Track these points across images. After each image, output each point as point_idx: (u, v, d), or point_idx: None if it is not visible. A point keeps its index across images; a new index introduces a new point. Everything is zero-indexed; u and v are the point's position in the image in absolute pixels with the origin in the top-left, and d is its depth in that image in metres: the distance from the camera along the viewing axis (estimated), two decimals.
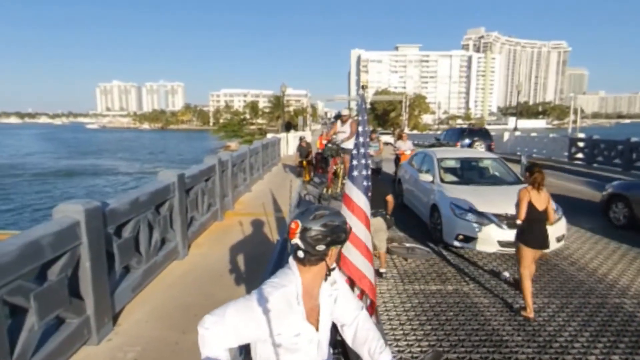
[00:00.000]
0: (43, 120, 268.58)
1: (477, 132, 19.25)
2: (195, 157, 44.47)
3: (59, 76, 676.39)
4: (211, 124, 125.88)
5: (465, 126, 27.75)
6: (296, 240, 1.46)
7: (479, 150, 13.64)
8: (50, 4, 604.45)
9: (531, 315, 4.01)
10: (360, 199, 2.90)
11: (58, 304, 2.86)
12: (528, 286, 4.05)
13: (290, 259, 1.54)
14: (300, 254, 1.47)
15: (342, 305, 1.63)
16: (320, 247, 1.46)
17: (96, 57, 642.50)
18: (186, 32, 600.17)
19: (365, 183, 3.00)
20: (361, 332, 1.64)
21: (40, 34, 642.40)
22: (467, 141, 18.05)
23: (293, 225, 1.47)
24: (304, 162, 12.16)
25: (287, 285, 1.47)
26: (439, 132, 33.68)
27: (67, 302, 2.96)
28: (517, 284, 4.57)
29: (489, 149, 17.46)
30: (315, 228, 1.45)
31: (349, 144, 8.23)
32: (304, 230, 1.45)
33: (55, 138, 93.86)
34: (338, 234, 1.48)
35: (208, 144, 64.91)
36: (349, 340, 1.68)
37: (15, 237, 2.61)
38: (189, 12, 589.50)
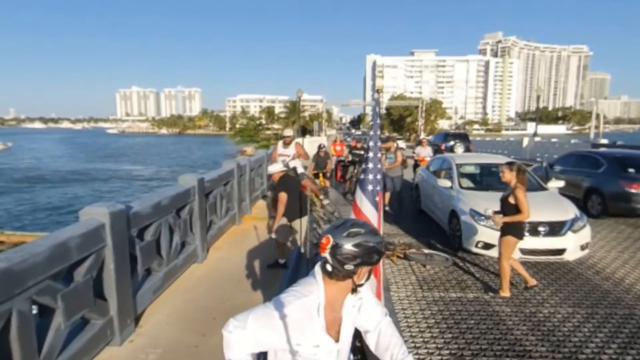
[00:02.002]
0: (65, 125, 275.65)
1: (458, 136, 23.15)
2: (211, 162, 45.01)
3: (80, 82, 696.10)
4: (227, 129, 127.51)
5: (450, 131, 34.96)
6: (326, 255, 1.43)
7: (496, 155, 13.66)
8: (73, 14, 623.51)
9: (508, 294, 4.61)
10: (370, 212, 2.88)
11: (83, 304, 2.92)
12: (509, 271, 4.62)
13: (317, 268, 1.50)
14: (329, 267, 1.44)
15: (365, 313, 1.61)
16: (349, 267, 1.41)
17: (116, 63, 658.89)
18: (203, 38, 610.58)
19: (377, 187, 2.98)
20: (384, 338, 1.62)
21: (63, 41, 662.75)
22: (450, 143, 21.41)
23: (324, 241, 1.42)
24: (320, 175, 10.11)
25: (309, 295, 1.44)
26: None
27: (92, 302, 3.02)
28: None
29: (467, 149, 20.55)
30: (347, 247, 1.39)
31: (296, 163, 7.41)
32: (335, 247, 1.40)
33: (78, 142, 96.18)
34: (371, 255, 1.41)
35: (224, 148, 65.57)
36: (372, 346, 1.66)
37: (44, 239, 2.68)
38: (206, 19, 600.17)
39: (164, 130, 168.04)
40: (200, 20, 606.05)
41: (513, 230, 4.52)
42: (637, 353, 3.50)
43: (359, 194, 2.99)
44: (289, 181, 5.03)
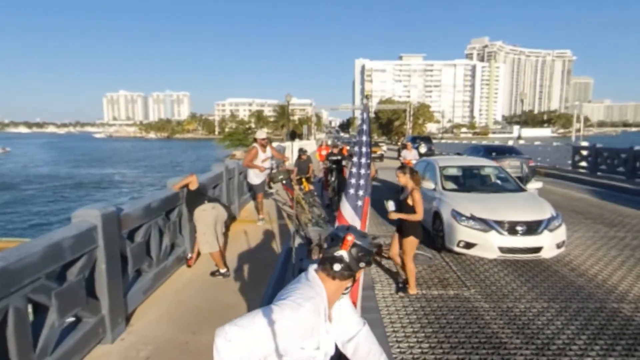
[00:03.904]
0: (51, 129, 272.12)
1: (422, 138, 29.13)
2: (201, 166, 44.84)
3: (66, 86, 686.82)
4: (216, 133, 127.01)
5: (417, 135, 40.96)
6: (344, 253, 1.49)
7: (475, 158, 14.40)
8: (59, 16, 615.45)
9: (415, 291, 4.81)
10: (352, 218, 2.99)
11: (76, 303, 3.03)
12: (414, 269, 4.84)
13: (312, 271, 1.53)
14: (337, 266, 1.48)
15: (346, 321, 1.62)
16: (362, 265, 1.52)
17: (103, 67, 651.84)
18: (192, 42, 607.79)
19: (359, 203, 3.09)
20: (363, 346, 1.63)
21: (48, 44, 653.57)
22: (416, 144, 25.35)
23: (350, 238, 1.50)
24: (304, 180, 9.86)
25: (315, 297, 1.44)
26: (442, 141, 42.39)
27: (85, 301, 3.13)
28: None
29: (430, 149, 25.17)
30: (364, 246, 1.51)
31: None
32: (355, 246, 1.50)
33: (63, 147, 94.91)
34: (371, 256, 1.56)
35: (214, 152, 65.40)
36: (349, 355, 1.66)
37: (39, 239, 2.80)
38: (195, 22, 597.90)
39: (152, 135, 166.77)
40: (189, 24, 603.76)
41: (413, 231, 4.65)
42: (605, 343, 3.71)
43: (342, 199, 3.10)
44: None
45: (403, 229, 4.73)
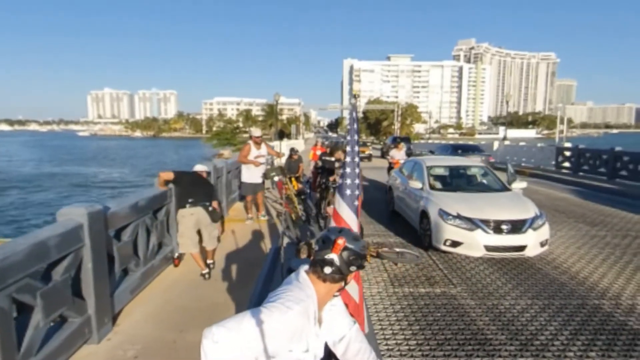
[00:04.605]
0: (33, 127, 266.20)
1: (402, 139, 29.39)
2: (188, 164, 44.32)
3: (49, 83, 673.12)
4: (204, 132, 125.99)
5: (396, 135, 42.65)
6: (335, 256, 1.48)
7: (465, 158, 14.67)
8: (41, 10, 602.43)
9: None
10: (349, 217, 3.01)
11: (62, 303, 2.99)
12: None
13: (303, 273, 1.53)
14: (328, 269, 1.48)
15: (337, 320, 1.63)
16: (353, 268, 1.52)
17: (88, 64, 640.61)
18: (179, 40, 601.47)
19: (356, 192, 3.13)
20: (354, 345, 1.64)
21: (30, 40, 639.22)
22: (396, 144, 27.54)
23: (340, 242, 1.49)
24: (293, 180, 9.72)
25: (305, 300, 1.44)
26: (430, 142, 44.05)
27: (70, 301, 3.09)
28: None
29: (409, 149, 26.12)
30: (355, 250, 1.51)
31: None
32: (345, 249, 1.49)
33: (46, 145, 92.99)
34: (363, 260, 1.56)
35: (201, 151, 64.80)
36: (340, 355, 1.67)
37: (24, 237, 2.75)
38: (181, 20, 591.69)
39: (138, 133, 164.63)
40: (175, 21, 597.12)
41: None
42: (586, 339, 3.81)
43: (338, 200, 3.09)
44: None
45: None
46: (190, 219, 4.89)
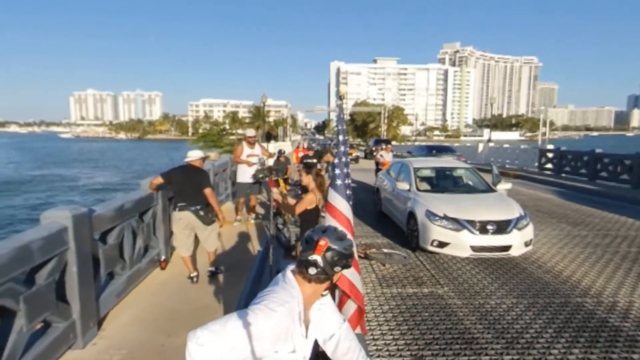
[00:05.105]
0: (13, 129, 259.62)
1: (383, 140, 33.06)
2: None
3: (30, 83, 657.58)
4: (190, 134, 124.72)
5: (382, 138, 44.20)
6: (318, 257, 1.47)
7: (451, 159, 14.89)
8: (22, 9, 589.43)
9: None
10: (344, 208, 3.03)
11: (46, 307, 2.92)
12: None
13: (289, 274, 1.52)
14: (312, 270, 1.47)
15: (326, 318, 1.63)
16: (337, 269, 1.49)
17: (70, 64, 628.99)
18: (164, 40, 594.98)
19: (348, 192, 3.15)
20: (343, 343, 1.64)
21: (11, 39, 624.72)
22: (378, 146, 31.73)
23: (322, 243, 1.48)
24: (281, 181, 9.85)
25: (290, 301, 1.43)
26: (416, 143, 45.86)
27: (55, 306, 3.02)
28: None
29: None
30: (339, 250, 1.49)
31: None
32: (329, 250, 1.47)
33: (27, 148, 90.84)
34: (349, 259, 1.54)
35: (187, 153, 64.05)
36: (329, 353, 1.67)
37: (6, 241, 2.68)
38: (167, 20, 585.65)
39: (122, 135, 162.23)
40: (160, 22, 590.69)
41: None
42: (569, 336, 3.89)
43: (332, 195, 3.08)
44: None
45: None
46: (179, 223, 4.81)
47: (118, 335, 3.58)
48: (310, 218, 4.28)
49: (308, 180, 4.40)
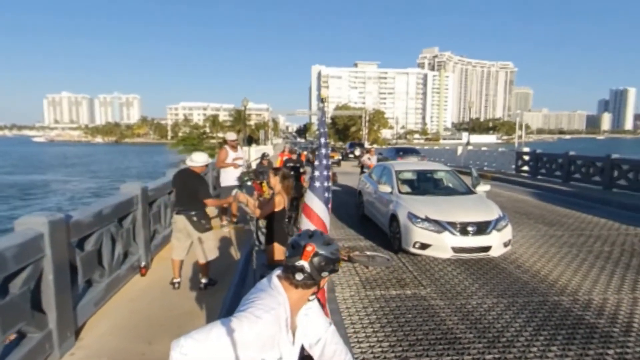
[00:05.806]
0: None
1: (358, 144, 35.63)
2: (153, 172, 43.06)
3: (1, 85, 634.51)
4: (169, 137, 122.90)
5: (356, 141, 46.25)
6: (305, 263, 1.46)
7: (431, 162, 15.09)
8: None
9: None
10: (320, 209, 3.03)
11: (20, 317, 2.82)
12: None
13: (275, 280, 1.51)
14: (299, 276, 1.46)
15: (312, 322, 1.62)
16: (324, 274, 1.49)
17: (44, 66, 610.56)
18: (142, 42, 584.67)
19: (326, 194, 3.16)
20: (330, 347, 1.64)
21: None
22: (351, 149, 34.60)
23: (309, 248, 1.47)
24: (264, 185, 9.63)
25: (277, 307, 1.42)
26: (383, 147, 48.36)
27: (30, 315, 2.92)
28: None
29: (362, 154, 31.64)
30: (326, 255, 1.48)
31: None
32: (316, 255, 1.47)
33: None
34: (336, 264, 1.53)
35: (167, 157, 63.12)
36: (316, 357, 1.67)
37: None
38: (145, 22, 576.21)
39: (98, 139, 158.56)
40: (139, 23, 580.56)
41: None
42: (548, 334, 4.00)
43: (309, 196, 3.09)
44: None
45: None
46: (175, 226, 4.77)
47: (97, 345, 3.48)
48: (276, 220, 4.23)
49: (275, 181, 4.34)
